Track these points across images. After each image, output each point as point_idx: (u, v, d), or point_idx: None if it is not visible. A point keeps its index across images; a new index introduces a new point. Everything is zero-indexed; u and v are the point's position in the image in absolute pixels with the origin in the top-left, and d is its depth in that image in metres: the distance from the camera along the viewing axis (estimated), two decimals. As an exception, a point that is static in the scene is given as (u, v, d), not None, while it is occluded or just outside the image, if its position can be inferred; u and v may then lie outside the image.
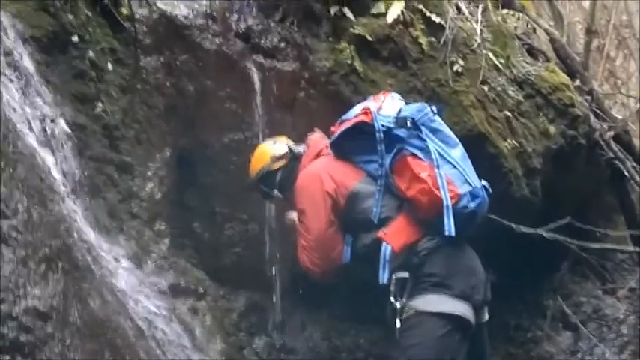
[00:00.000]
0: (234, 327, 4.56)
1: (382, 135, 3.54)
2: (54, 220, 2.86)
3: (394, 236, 3.50)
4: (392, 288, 3.45)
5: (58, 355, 2.42)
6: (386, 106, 3.66)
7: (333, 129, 3.78)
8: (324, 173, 3.65)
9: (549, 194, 5.48)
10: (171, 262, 4.18)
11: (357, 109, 3.70)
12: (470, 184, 3.48)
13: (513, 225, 4.88)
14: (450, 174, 3.46)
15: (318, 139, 3.93)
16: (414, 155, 3.48)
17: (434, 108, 3.65)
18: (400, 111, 3.61)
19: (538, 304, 5.97)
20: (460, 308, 3.43)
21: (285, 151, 4.01)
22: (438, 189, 3.40)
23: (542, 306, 5.96)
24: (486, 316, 3.63)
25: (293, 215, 3.91)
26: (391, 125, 3.55)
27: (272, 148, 4.06)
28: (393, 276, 3.46)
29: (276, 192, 4.02)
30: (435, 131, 3.57)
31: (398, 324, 3.43)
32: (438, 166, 3.44)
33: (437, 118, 3.63)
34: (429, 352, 3.38)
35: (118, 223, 3.91)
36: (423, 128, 3.53)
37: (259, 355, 4.60)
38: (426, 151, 3.49)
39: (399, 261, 3.46)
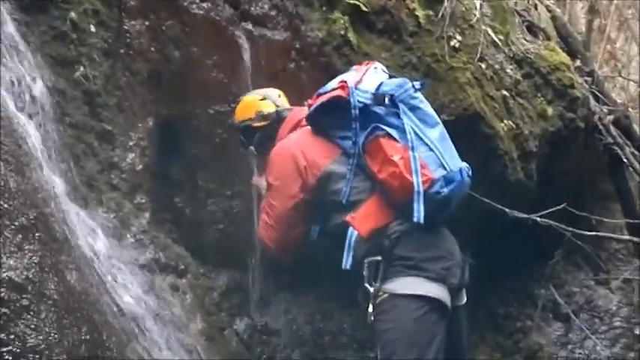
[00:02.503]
0: (215, 306, 4.58)
1: (358, 112, 3.53)
2: (31, 189, 2.85)
3: (362, 221, 3.51)
4: (365, 272, 3.47)
5: (33, 330, 2.43)
6: (367, 80, 3.64)
7: (310, 101, 3.78)
8: (297, 150, 3.66)
9: (544, 179, 5.53)
10: (151, 237, 4.17)
11: (335, 82, 3.69)
12: (445, 168, 3.47)
13: (507, 209, 4.90)
14: (425, 156, 3.45)
15: (298, 109, 3.95)
16: (389, 136, 3.47)
17: (416, 84, 3.63)
18: (380, 86, 3.59)
19: (528, 293, 6.02)
20: (435, 290, 3.45)
21: (271, 111, 4.06)
22: (410, 173, 3.40)
23: (533, 295, 6.01)
24: (464, 299, 3.68)
25: (260, 181, 4.02)
26: (368, 102, 3.54)
27: (259, 104, 4.10)
28: (365, 260, 3.48)
29: (252, 148, 4.10)
30: (414, 109, 3.55)
31: (370, 308, 3.45)
32: (412, 148, 3.43)
33: (418, 94, 3.61)
34: (405, 336, 3.40)
35: (96, 194, 3.90)
36: (401, 105, 3.52)
37: (240, 337, 4.63)
38: (402, 130, 3.48)
39: (367, 245, 3.48)
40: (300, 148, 3.66)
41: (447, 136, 3.61)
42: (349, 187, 3.55)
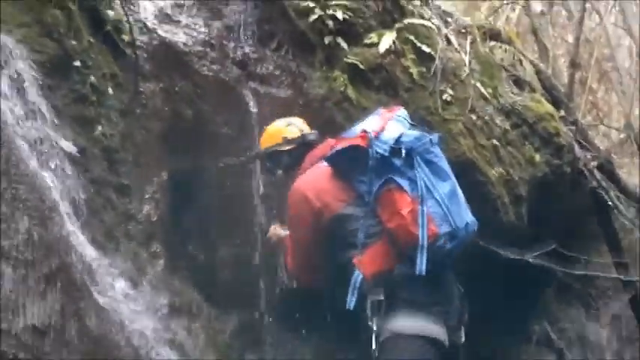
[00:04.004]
0: (227, 346, 4.53)
1: (375, 163, 3.54)
2: (53, 240, 2.86)
3: (368, 264, 3.48)
4: (368, 311, 3.44)
5: (55, 372, 2.43)
6: (388, 129, 3.61)
7: (332, 142, 3.79)
8: (311, 193, 3.64)
9: (535, 221, 5.49)
10: (166, 283, 4.15)
11: (358, 128, 3.67)
12: (450, 224, 3.45)
13: (501, 251, 4.88)
14: (433, 211, 3.43)
15: (328, 142, 3.91)
16: (401, 188, 3.45)
17: (433, 138, 3.62)
18: (400, 137, 3.59)
19: (524, 330, 5.96)
20: (434, 331, 3.42)
21: (297, 135, 4.04)
22: (416, 226, 3.38)
23: (528, 331, 5.96)
24: (462, 338, 3.63)
25: (275, 230, 4.08)
26: (386, 153, 3.54)
27: (286, 130, 4.08)
28: (368, 299, 3.45)
29: (279, 172, 4.07)
30: (428, 163, 3.52)
31: (374, 346, 3.41)
32: (422, 202, 3.42)
33: (434, 149, 3.59)
34: (405, 374, 3.39)
35: (114, 243, 3.90)
36: (417, 159, 3.52)
37: (251, 375, 4.60)
38: (414, 182, 3.46)
39: (371, 285, 3.46)
40: (315, 191, 3.64)
41: (458, 190, 3.58)
42: (363, 232, 3.55)
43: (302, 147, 3.98)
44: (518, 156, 5.48)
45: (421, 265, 3.35)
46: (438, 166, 3.55)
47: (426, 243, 3.36)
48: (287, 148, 4.03)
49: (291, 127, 4.09)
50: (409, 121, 3.78)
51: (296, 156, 3.97)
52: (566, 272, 5.22)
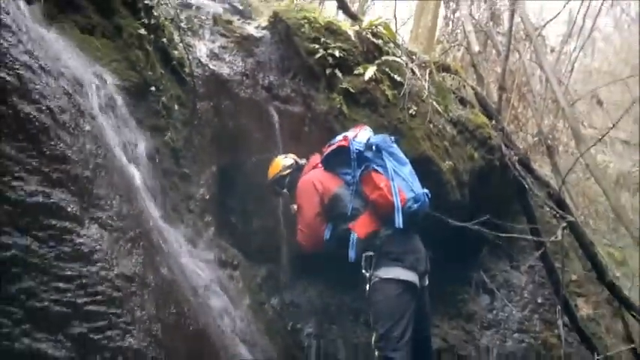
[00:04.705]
0: (258, 289, 4.56)
1: (355, 155, 3.61)
2: (137, 212, 2.86)
3: (360, 227, 3.53)
4: (362, 263, 3.48)
5: (138, 307, 2.43)
6: (360, 135, 3.74)
7: (323, 149, 3.87)
8: (316, 181, 3.71)
9: (474, 200, 5.49)
10: (215, 244, 4.16)
11: (340, 136, 3.80)
12: (414, 192, 3.50)
13: (450, 220, 4.88)
14: (401, 184, 3.50)
15: (316, 156, 3.99)
16: (376, 170, 3.53)
17: (392, 138, 3.73)
18: (369, 139, 3.67)
19: (466, 276, 5.97)
20: (410, 276, 3.45)
21: (292, 162, 4.12)
22: (391, 195, 3.44)
23: (469, 277, 5.96)
24: (426, 282, 3.66)
25: (295, 207, 4.00)
26: (362, 149, 3.62)
27: (283, 161, 4.15)
28: (363, 255, 3.48)
29: (285, 190, 4.09)
30: (391, 154, 3.62)
31: (367, 288, 3.45)
32: (392, 179, 3.49)
33: (394, 145, 3.69)
34: (389, 307, 3.41)
35: (179, 215, 3.91)
36: (383, 152, 3.59)
37: (274, 308, 4.60)
38: (384, 167, 3.54)
39: (364, 244, 3.48)
40: (317, 179, 3.73)
41: (414, 171, 3.66)
42: (351, 205, 3.58)
43: (296, 170, 4.03)
44: (462, 153, 5.47)
45: (399, 220, 3.42)
46: (398, 156, 3.65)
47: (399, 205, 3.42)
48: (286, 172, 4.07)
49: (286, 159, 4.14)
50: (372, 132, 3.87)
51: (294, 177, 4.00)
52: (496, 235, 5.18)
